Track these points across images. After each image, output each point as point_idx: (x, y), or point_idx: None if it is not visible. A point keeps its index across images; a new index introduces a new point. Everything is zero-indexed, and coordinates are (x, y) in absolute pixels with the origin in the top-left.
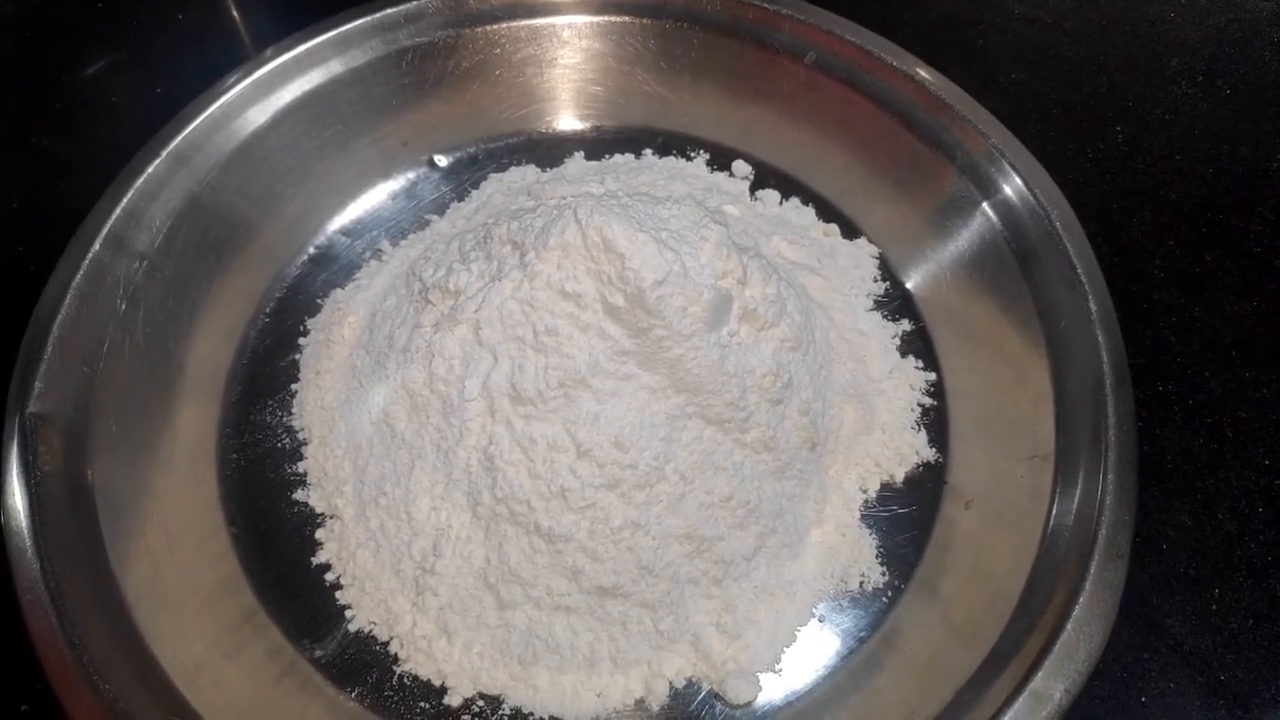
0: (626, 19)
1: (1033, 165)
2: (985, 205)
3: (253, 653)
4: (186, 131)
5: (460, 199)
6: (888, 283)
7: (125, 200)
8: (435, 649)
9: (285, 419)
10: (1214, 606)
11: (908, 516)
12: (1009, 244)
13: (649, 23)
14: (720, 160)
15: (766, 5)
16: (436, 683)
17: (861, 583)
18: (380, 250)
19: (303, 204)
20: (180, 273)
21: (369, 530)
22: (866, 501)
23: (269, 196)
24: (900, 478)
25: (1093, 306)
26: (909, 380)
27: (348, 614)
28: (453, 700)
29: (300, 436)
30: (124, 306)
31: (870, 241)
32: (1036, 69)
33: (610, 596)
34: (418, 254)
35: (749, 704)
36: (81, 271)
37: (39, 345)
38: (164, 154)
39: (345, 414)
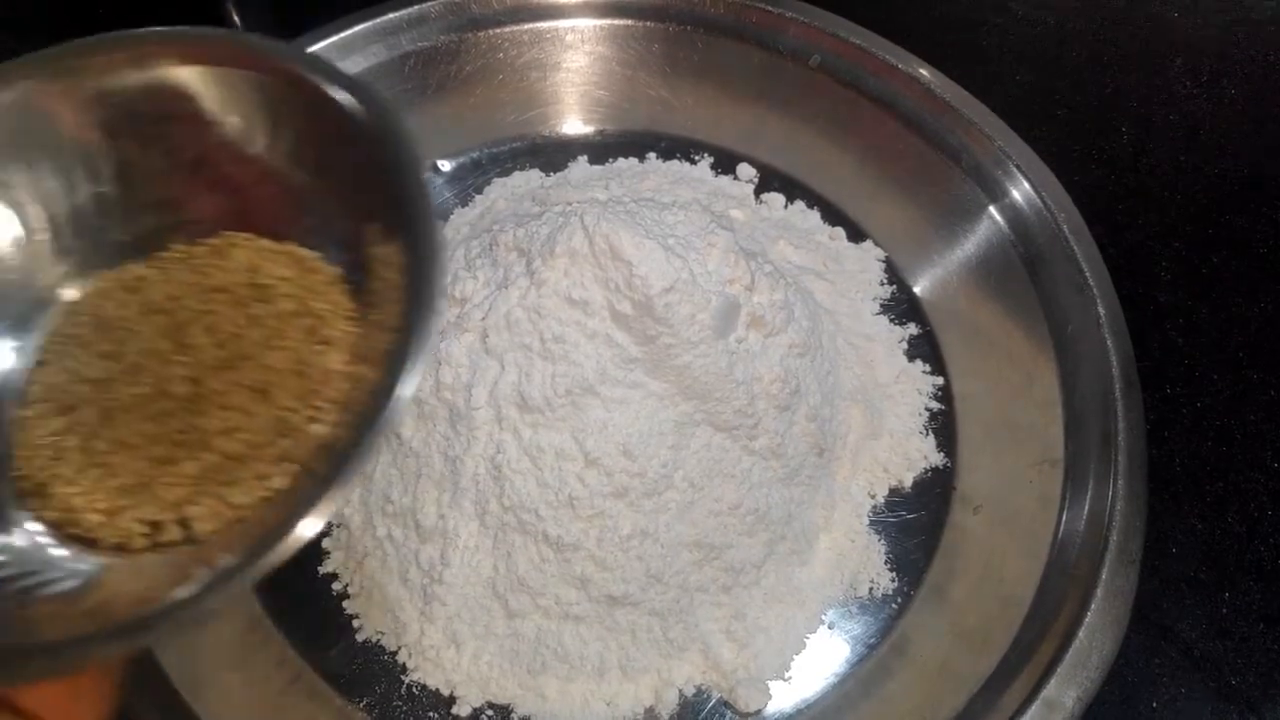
0: (630, 22)
1: (1040, 168)
2: (992, 209)
3: (259, 662)
4: None
5: (464, 204)
6: (894, 286)
7: None
8: (444, 658)
9: None
10: (1225, 610)
11: (916, 522)
12: (1016, 247)
13: (653, 26)
14: (724, 164)
15: (770, 8)
16: (445, 692)
17: (871, 589)
18: None
19: None
20: None
21: (376, 539)
22: (875, 507)
23: None
24: (909, 483)
25: (1101, 311)
26: (916, 385)
27: (355, 623)
28: (461, 710)
29: None
30: None
31: (876, 245)
32: (1041, 71)
33: (619, 605)
34: None
35: (759, 712)
36: None
37: None
38: None
39: None
